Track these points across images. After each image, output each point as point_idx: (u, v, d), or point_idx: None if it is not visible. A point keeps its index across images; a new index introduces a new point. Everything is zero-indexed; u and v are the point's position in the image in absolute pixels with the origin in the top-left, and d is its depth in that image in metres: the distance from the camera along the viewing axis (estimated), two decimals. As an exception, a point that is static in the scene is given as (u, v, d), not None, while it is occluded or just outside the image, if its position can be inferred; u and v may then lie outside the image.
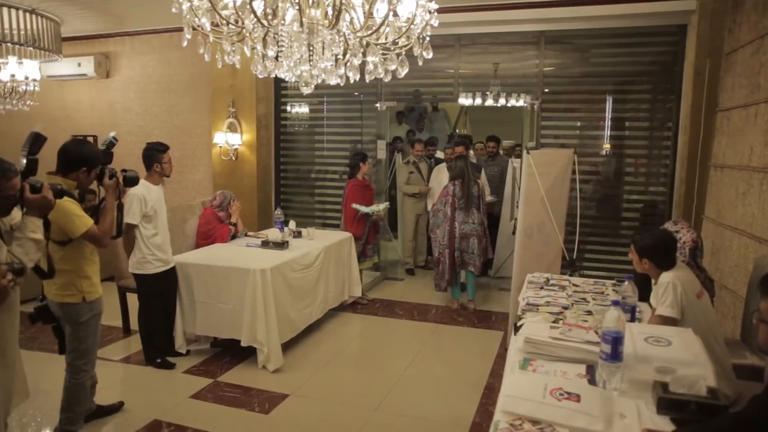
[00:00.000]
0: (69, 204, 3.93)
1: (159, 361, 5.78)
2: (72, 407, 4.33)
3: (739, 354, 4.30)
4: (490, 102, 9.72)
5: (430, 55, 3.49)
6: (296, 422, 4.86)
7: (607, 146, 8.17)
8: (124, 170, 4.47)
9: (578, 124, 8.44)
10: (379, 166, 9.39)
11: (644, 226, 7.73)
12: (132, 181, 4.55)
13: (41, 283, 4.04)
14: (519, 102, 9.59)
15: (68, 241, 4.04)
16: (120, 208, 4.42)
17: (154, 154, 5.60)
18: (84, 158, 4.12)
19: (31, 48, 7.58)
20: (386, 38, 3.41)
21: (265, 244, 6.59)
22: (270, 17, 3.07)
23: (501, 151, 9.67)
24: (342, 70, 3.65)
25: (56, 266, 3.92)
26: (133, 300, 6.69)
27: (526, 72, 8.53)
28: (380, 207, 7.96)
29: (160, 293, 5.77)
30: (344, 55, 3.58)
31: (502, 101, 9.68)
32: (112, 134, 4.46)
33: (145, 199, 5.43)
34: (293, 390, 5.35)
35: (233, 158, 9.22)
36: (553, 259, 6.47)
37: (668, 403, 2.42)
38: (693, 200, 6.93)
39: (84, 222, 3.99)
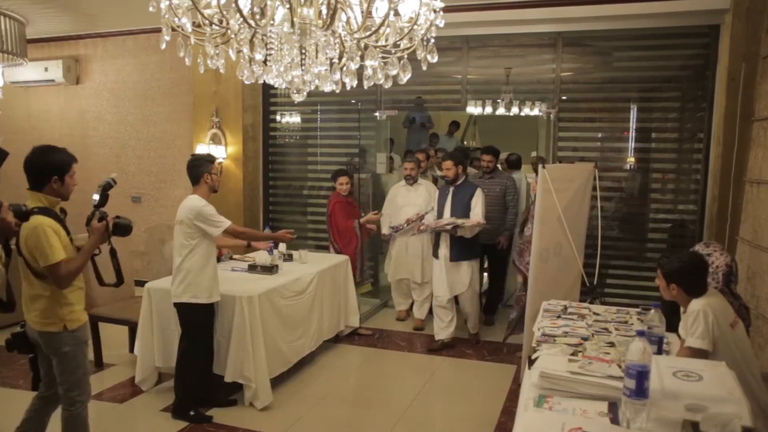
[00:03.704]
0: (47, 229, 3.90)
1: (192, 414, 5.54)
2: None
3: (778, 390, 4.30)
4: (501, 111, 9.76)
5: (435, 59, 3.51)
6: (286, 467, 4.85)
7: (631, 160, 8.18)
8: (117, 217, 4.33)
9: (599, 135, 8.44)
10: (377, 181, 9.41)
11: (672, 248, 7.71)
12: (123, 229, 4.30)
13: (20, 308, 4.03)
14: (533, 111, 9.63)
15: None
16: (114, 254, 4.32)
17: (204, 164, 5.56)
18: (52, 165, 4.05)
19: (-8, 51, 7.62)
20: (386, 40, 3.43)
21: (253, 268, 6.59)
22: (258, 17, 3.09)
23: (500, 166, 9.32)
24: (337, 76, 3.68)
25: (35, 291, 4.00)
26: (107, 330, 6.70)
27: (542, 77, 8.57)
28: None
29: (208, 327, 5.63)
30: (340, 58, 3.60)
31: (514, 110, 9.71)
32: (112, 175, 4.40)
33: None
34: (283, 430, 5.34)
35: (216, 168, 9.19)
36: (572, 284, 6.46)
37: (699, 444, 2.42)
38: (726, 220, 6.93)
39: (54, 255, 3.90)
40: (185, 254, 5.37)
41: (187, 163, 5.67)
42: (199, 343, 5.54)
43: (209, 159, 5.69)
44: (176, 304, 5.48)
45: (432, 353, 7.29)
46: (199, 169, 5.54)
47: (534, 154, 9.43)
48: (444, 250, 7.29)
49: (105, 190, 4.26)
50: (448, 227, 7.08)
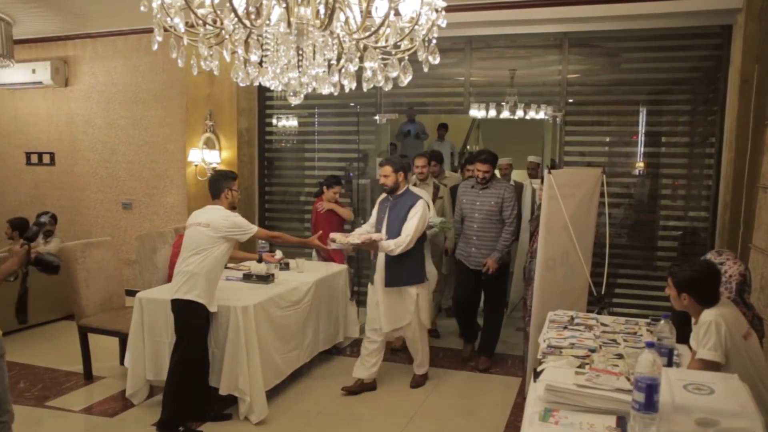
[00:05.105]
0: None
1: (182, 429, 5.49)
2: None
3: (793, 404, 4.29)
4: (505, 114, 9.74)
5: (437, 61, 3.52)
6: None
7: (640, 165, 8.18)
8: (49, 253, 4.36)
9: (607, 139, 8.43)
10: (377, 187, 9.40)
11: (683, 257, 7.72)
12: (47, 266, 4.27)
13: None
14: (539, 114, 9.61)
15: None
16: (25, 291, 4.27)
17: (225, 180, 5.72)
18: None
19: (-22, 52, 7.63)
20: (386, 41, 3.44)
21: (248, 277, 6.59)
22: (253, 16, 3.10)
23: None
24: (336, 78, 3.68)
25: None
26: (96, 341, 6.69)
27: (547, 80, 8.59)
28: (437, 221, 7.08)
29: (205, 334, 5.62)
30: (338, 60, 3.60)
31: (519, 113, 9.70)
32: (47, 216, 4.49)
33: None
34: (279, 446, 5.33)
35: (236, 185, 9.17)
36: (579, 294, 6.46)
37: (711, 459, 2.42)
38: (739, 227, 6.92)
39: None
40: (200, 255, 5.39)
41: (208, 179, 5.89)
42: (195, 351, 5.50)
43: (231, 176, 5.86)
44: (175, 302, 5.44)
45: (349, 394, 6.47)
46: (220, 184, 5.68)
47: (530, 158, 9.38)
48: (380, 273, 6.45)
49: (39, 226, 4.39)
50: (350, 246, 6.33)
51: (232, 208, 5.72)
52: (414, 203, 6.27)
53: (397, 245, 6.10)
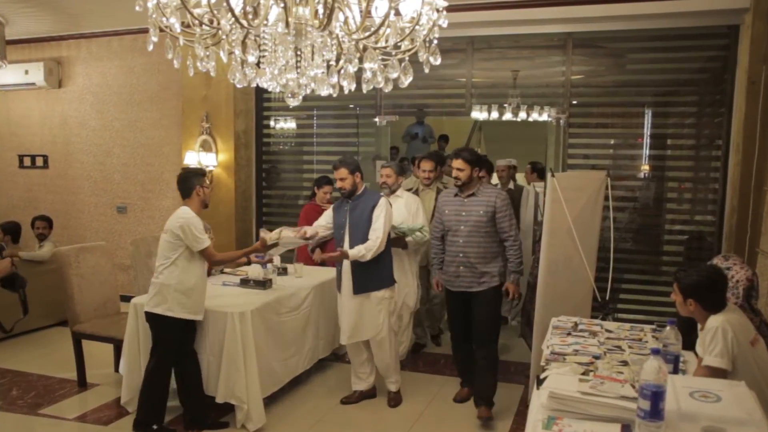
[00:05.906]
0: None
1: (155, 428, 5.54)
2: None
3: (802, 412, 4.29)
4: (508, 116, 9.73)
5: (438, 61, 3.52)
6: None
7: (645, 168, 8.17)
8: (16, 273, 4.50)
9: (612, 141, 8.45)
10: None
11: (689, 262, 7.69)
12: (13, 284, 4.52)
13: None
14: (542, 116, 9.61)
15: None
16: (18, 284, 4.43)
17: (195, 177, 5.63)
18: None
19: (-30, 53, 7.64)
20: (386, 41, 3.44)
21: (245, 282, 6.57)
22: (250, 16, 3.10)
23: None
24: (335, 79, 3.67)
25: None
26: (90, 347, 6.68)
27: (551, 81, 8.57)
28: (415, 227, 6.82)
29: (182, 344, 5.57)
30: (337, 60, 3.60)
31: (522, 115, 9.69)
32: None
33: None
34: (276, 455, 5.32)
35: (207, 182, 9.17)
36: (582, 300, 6.45)
37: (718, 468, 2.41)
38: (746, 231, 6.90)
39: None
40: (166, 265, 5.37)
41: (177, 177, 5.74)
42: (167, 363, 5.51)
43: (200, 172, 5.77)
44: (147, 315, 5.46)
45: (348, 404, 6.41)
46: (190, 181, 5.58)
47: (500, 162, 9.24)
48: (346, 280, 6.14)
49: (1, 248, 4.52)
50: (302, 242, 6.13)
51: (205, 206, 5.66)
52: (377, 202, 6.00)
53: (368, 250, 5.85)
